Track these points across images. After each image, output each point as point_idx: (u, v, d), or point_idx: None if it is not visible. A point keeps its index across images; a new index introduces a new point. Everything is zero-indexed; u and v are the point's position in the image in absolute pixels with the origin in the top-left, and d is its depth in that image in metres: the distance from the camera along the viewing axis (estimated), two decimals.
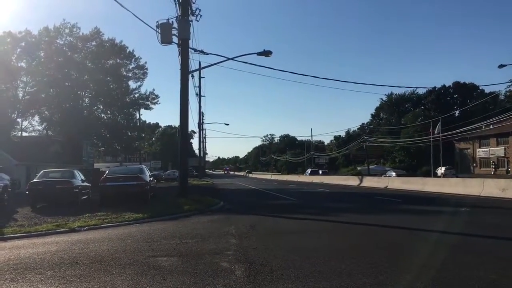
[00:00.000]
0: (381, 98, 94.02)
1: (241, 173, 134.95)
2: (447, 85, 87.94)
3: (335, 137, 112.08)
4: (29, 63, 44.78)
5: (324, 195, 25.56)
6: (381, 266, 6.10)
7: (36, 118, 47.42)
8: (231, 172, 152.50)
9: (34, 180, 17.64)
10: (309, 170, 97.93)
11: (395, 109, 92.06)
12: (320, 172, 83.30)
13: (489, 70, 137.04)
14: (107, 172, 19.48)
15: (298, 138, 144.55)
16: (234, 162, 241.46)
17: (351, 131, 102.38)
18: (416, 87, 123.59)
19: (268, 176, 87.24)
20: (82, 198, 18.02)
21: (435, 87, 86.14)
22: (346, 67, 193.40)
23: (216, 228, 10.36)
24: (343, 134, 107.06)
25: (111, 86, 48.21)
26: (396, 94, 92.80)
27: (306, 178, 57.90)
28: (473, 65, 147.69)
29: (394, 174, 52.48)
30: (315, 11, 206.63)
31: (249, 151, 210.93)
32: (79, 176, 19.01)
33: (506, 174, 56.29)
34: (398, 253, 7.12)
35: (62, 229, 10.34)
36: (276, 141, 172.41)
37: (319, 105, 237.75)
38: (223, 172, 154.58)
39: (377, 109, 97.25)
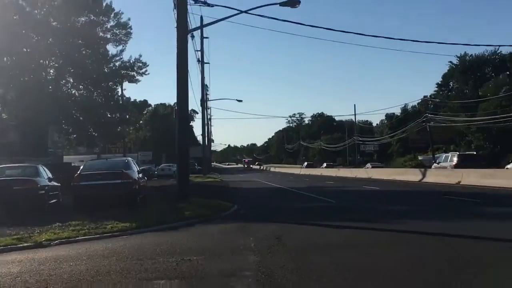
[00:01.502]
0: (451, 62, 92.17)
1: (261, 167, 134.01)
2: None
3: (387, 115, 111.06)
4: None
5: (373, 194, 25.46)
6: None
7: None
8: (252, 166, 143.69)
9: None
10: (305, 164, 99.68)
11: (470, 76, 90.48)
12: (325, 164, 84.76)
13: None
14: (81, 167, 19.64)
15: (337, 118, 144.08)
16: (250, 151, 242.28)
17: (409, 107, 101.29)
18: (499, 45, 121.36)
19: (296, 170, 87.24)
20: (50, 202, 18.22)
21: None
22: (401, 21, 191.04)
23: (228, 240, 10.45)
24: (398, 111, 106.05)
25: (84, 52, 48.35)
26: (471, 56, 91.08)
27: (347, 172, 57.87)
28: None
29: (370, 166, 62.62)
30: None
31: (270, 136, 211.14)
32: (45, 173, 19.23)
33: None
34: (484, 274, 7.05)
35: (25, 244, 10.52)
36: (306, 122, 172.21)
37: (365, 73, 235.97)
38: (243, 166, 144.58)
39: (445, 76, 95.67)
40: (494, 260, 7.92)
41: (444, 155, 43.55)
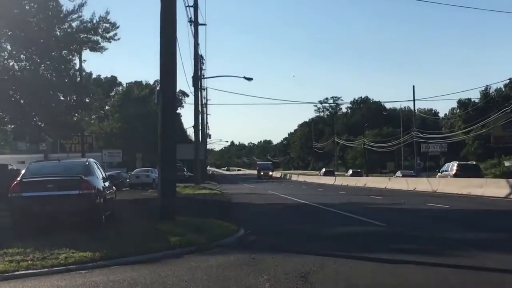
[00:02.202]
0: None
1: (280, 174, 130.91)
2: None
3: (460, 102, 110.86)
4: None
5: (440, 215, 25.47)
6: None
7: None
8: (272, 174, 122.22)
9: None
10: (322, 170, 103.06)
11: None
12: (350, 171, 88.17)
13: None
14: (23, 171, 19.73)
15: (387, 105, 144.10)
16: (263, 152, 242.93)
17: (491, 90, 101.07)
18: None
19: (328, 179, 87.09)
20: None
21: None
22: None
23: (232, 279, 10.49)
24: (475, 96, 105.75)
25: (27, 7, 48.58)
26: None
27: (402, 183, 57.62)
28: None
29: (400, 174, 73.36)
30: None
31: (292, 130, 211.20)
32: None
33: None
34: None
35: None
36: (344, 110, 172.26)
37: (428, 40, 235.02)
38: (258, 175, 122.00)
39: None
40: None
41: (446, 164, 58.16)
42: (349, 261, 12.71)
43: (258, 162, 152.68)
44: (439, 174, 55.81)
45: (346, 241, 16.64)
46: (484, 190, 40.39)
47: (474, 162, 66.01)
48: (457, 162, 56.35)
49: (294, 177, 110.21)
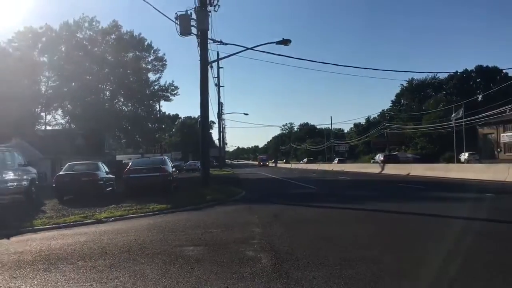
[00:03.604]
0: (402, 84, 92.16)
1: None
2: (469, 69, 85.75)
3: (355, 124, 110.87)
4: (50, 57, 45.45)
5: (345, 183, 25.42)
6: (406, 253, 6.10)
7: (59, 111, 48.26)
8: (268, 164, 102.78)
9: (60, 173, 17.94)
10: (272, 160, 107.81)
11: (416, 95, 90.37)
12: (305, 160, 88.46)
13: None
14: (130, 163, 19.73)
15: (318, 127, 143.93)
16: (254, 152, 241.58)
17: (371, 118, 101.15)
18: (437, 72, 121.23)
19: (288, 165, 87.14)
20: (107, 189, 18.29)
21: (456, 72, 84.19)
22: (366, 54, 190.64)
23: (239, 217, 10.48)
24: (363, 121, 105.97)
25: (131, 79, 48.60)
26: (417, 80, 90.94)
27: (326, 166, 57.80)
28: (496, 48, 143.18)
29: (336, 160, 67.42)
30: None
31: (269, 140, 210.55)
32: (104, 168, 19.29)
33: None
34: (424, 240, 7.09)
35: (89, 220, 10.57)
36: (295, 129, 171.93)
37: (339, 92, 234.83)
38: (259, 164, 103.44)
39: (397, 95, 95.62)
40: (430, 229, 7.96)
41: (336, 158, 72.25)
42: (299, 207, 12.76)
43: (258, 156, 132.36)
44: (334, 161, 64.65)
45: (297, 197, 16.61)
46: (368, 169, 40.71)
47: (395, 153, 63.91)
48: (338, 158, 68.53)
49: (271, 164, 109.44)
